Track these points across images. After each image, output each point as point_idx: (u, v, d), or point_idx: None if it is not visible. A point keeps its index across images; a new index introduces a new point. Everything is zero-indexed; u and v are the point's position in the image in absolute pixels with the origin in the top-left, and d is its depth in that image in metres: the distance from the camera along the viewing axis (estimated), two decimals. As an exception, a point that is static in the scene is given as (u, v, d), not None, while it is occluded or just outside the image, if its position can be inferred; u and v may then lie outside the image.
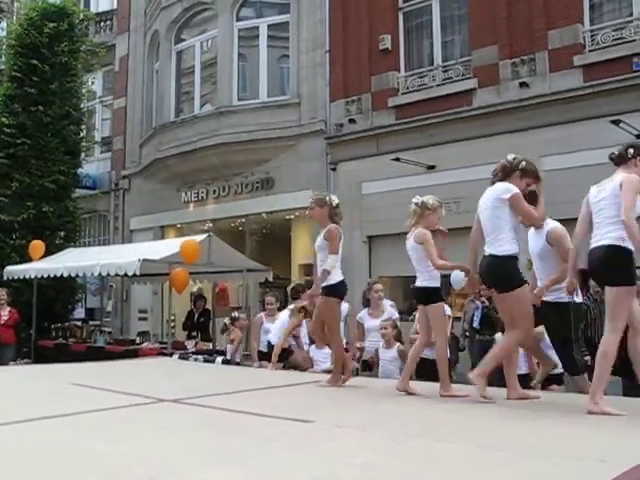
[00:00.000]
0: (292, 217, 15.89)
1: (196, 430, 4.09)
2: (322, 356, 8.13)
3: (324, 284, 6.34)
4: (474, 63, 12.76)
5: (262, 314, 9.52)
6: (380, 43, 13.92)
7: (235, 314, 10.12)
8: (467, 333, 10.59)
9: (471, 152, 12.18)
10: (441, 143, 12.76)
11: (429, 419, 4.69)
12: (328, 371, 7.65)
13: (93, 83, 19.93)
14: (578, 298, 5.88)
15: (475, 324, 9.72)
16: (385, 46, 13.87)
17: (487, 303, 9.57)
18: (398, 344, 7.66)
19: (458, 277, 11.16)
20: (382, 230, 13.48)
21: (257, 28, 16.06)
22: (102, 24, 21.49)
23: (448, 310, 9.89)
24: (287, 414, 4.51)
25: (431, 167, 12.89)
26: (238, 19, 16.30)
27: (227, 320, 9.96)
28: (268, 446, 3.60)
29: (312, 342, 8.49)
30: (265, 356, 8.93)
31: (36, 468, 3.11)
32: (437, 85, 13.26)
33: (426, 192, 12.45)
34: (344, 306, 9.87)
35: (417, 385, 5.94)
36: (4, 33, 19.60)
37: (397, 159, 12.70)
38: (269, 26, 16.00)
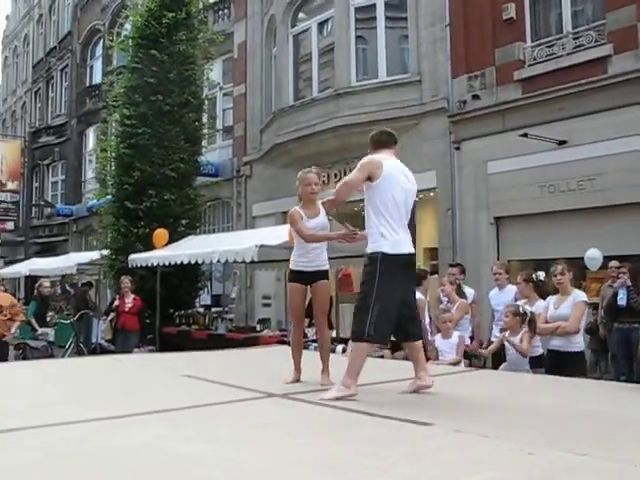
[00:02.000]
0: (416, 200, 15.28)
1: (303, 432, 3.72)
2: (448, 346, 7.61)
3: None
4: (608, 27, 11.74)
5: None
6: (504, 13, 13.10)
7: None
8: (604, 320, 9.83)
9: (606, 125, 11.29)
10: (573, 116, 11.85)
11: (565, 425, 4.09)
12: (455, 363, 7.19)
13: (212, 71, 20.02)
14: None
15: (622, 302, 8.88)
16: (509, 15, 13.05)
17: (629, 283, 8.77)
18: (524, 330, 7.02)
19: (594, 256, 10.41)
20: (510, 211, 12.84)
21: (374, 6, 15.51)
22: (220, 12, 21.62)
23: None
24: (403, 414, 4.05)
25: (562, 142, 12.01)
26: (354, -4, 15.84)
27: None
28: (381, 456, 3.16)
29: (438, 331, 8.02)
30: (392, 345, 8.56)
31: (116, 472, 2.81)
32: (567, 54, 12.30)
33: (557, 169, 11.99)
34: (469, 291, 9.39)
35: (551, 381, 5.33)
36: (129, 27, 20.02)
37: (525, 135, 11.91)
38: (386, 4, 15.42)
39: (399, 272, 4.76)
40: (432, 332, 9.18)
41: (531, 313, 7.09)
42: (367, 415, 4.13)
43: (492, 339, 8.26)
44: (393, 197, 4.85)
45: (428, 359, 8.09)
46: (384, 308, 4.62)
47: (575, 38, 12.32)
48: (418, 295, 9.35)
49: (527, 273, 8.03)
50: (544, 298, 7.62)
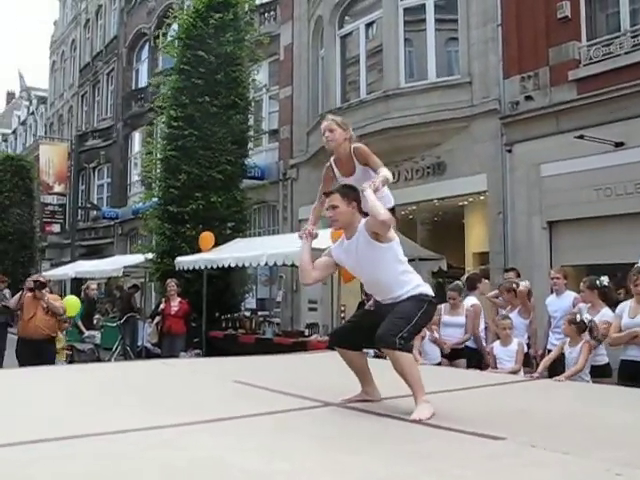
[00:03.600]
0: (466, 203, 15.10)
1: (364, 447, 3.50)
2: (507, 354, 7.34)
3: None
4: (669, 23, 11.40)
5: (442, 306, 8.89)
6: (558, 11, 12.75)
7: None
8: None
9: (667, 125, 10.92)
10: (630, 117, 11.45)
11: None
12: (514, 372, 6.92)
13: (258, 73, 19.95)
14: None
15: None
16: (564, 14, 12.69)
17: None
18: (584, 340, 6.73)
19: None
20: (564, 215, 12.49)
21: (423, 7, 15.26)
22: (266, 15, 21.61)
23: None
24: (474, 427, 3.82)
25: (619, 144, 11.61)
26: (403, -1, 15.62)
27: None
28: (455, 474, 2.95)
29: (498, 337, 7.76)
30: (448, 353, 8.40)
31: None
32: (625, 53, 11.91)
33: (614, 172, 11.61)
34: (525, 284, 9.11)
35: (624, 393, 5.05)
36: (175, 30, 20.08)
37: (581, 137, 11.56)
38: (436, 5, 15.16)
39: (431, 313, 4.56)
40: (487, 339, 8.95)
41: (591, 321, 6.79)
42: (432, 427, 3.91)
43: (549, 347, 7.98)
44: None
45: (487, 367, 7.88)
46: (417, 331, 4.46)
47: (633, 37, 11.94)
48: (473, 300, 9.19)
49: (591, 279, 7.73)
50: (609, 305, 7.33)
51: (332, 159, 5.06)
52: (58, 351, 10.95)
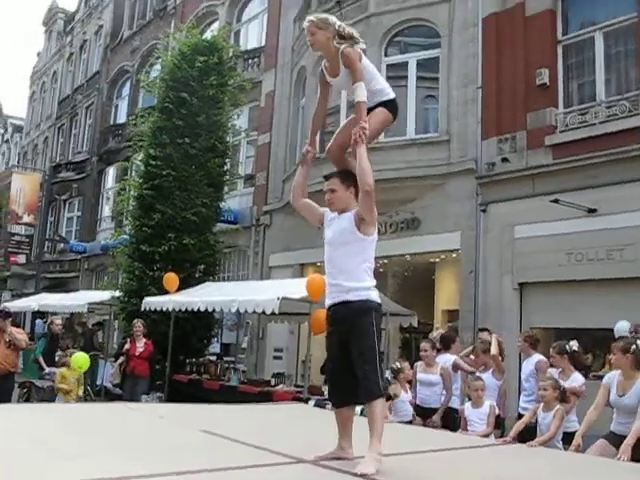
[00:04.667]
0: (438, 260, 15.19)
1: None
2: (478, 416, 7.29)
3: None
4: (642, 99, 11.67)
5: (417, 363, 8.84)
6: (537, 78, 13.05)
7: (397, 364, 8.93)
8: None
9: (638, 195, 11.09)
10: (604, 185, 11.67)
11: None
12: (486, 435, 6.87)
13: (239, 117, 20.03)
14: None
15: None
16: (543, 81, 12.99)
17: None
18: (558, 407, 6.71)
19: (624, 328, 10.08)
20: (536, 277, 12.60)
21: (406, 64, 15.53)
22: (250, 61, 21.81)
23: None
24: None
25: (592, 210, 11.81)
26: (386, 55, 15.87)
27: (387, 374, 8.62)
28: None
29: (469, 398, 7.70)
30: (422, 412, 8.28)
31: None
32: (600, 122, 12.18)
33: (586, 237, 11.75)
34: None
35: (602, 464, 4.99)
36: (159, 70, 20.17)
37: (556, 201, 11.71)
38: (418, 63, 15.42)
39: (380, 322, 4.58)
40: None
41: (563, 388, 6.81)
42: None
43: (520, 411, 7.95)
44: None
45: (457, 428, 7.81)
46: (382, 359, 4.45)
47: (608, 107, 12.21)
48: (449, 357, 9.14)
49: (560, 344, 7.76)
50: (579, 370, 7.33)
51: (324, 62, 4.96)
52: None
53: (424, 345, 8.94)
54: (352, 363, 4.36)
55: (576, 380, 7.49)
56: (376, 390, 4.29)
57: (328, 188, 4.62)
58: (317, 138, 5.05)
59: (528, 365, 8.49)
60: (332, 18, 4.75)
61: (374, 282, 4.57)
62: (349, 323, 4.42)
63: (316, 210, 4.87)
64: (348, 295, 4.45)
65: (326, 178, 4.69)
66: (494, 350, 8.50)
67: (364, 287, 4.48)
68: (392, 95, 4.92)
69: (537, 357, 8.46)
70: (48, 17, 43.62)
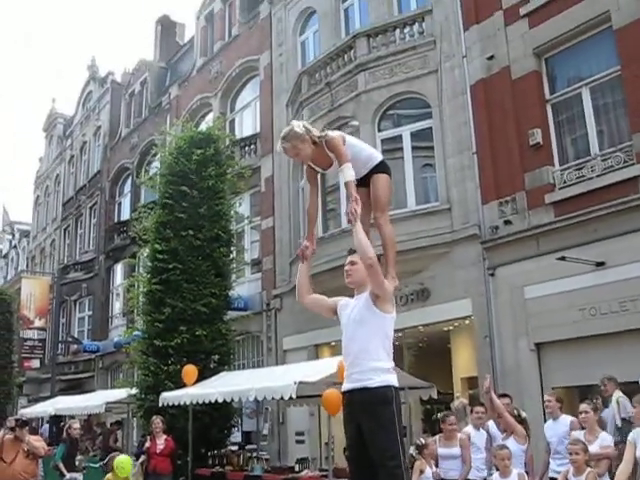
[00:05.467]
0: (451, 328, 15.09)
1: None
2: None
3: None
4: (636, 148, 11.72)
5: (436, 438, 8.70)
6: (530, 138, 13.21)
7: (421, 440, 8.81)
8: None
9: (645, 244, 11.07)
10: (608, 237, 11.67)
11: None
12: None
13: (240, 205, 20.26)
14: None
15: None
16: (536, 141, 13.15)
17: None
18: (589, 470, 6.58)
19: None
20: (552, 336, 12.49)
21: (400, 137, 15.75)
22: (247, 148, 22.18)
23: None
24: None
25: (600, 264, 11.75)
26: (380, 130, 16.11)
27: (412, 450, 8.58)
28: None
29: (497, 468, 7.54)
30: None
31: None
32: (597, 176, 12.25)
33: (597, 291, 11.68)
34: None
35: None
36: (158, 165, 20.49)
37: (563, 258, 11.70)
38: (412, 135, 15.64)
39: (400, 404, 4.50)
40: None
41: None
42: None
43: (551, 475, 7.79)
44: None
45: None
46: (404, 434, 4.37)
47: (603, 160, 12.30)
48: (466, 428, 8.99)
49: (595, 403, 7.63)
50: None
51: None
52: None
53: (450, 419, 8.80)
54: (374, 457, 4.29)
55: (605, 440, 7.35)
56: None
57: (349, 260, 4.67)
58: (315, 232, 5.04)
59: (560, 426, 8.34)
60: (298, 126, 4.74)
61: (392, 363, 4.54)
62: (369, 414, 4.35)
63: (326, 302, 4.88)
64: (367, 380, 4.40)
65: (349, 252, 4.73)
66: (499, 409, 8.37)
67: (383, 369, 4.45)
68: (380, 156, 5.06)
69: (569, 417, 8.33)
70: (48, 123, 44.68)
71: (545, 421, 11.47)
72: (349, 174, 4.62)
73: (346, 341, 4.63)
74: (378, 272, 4.40)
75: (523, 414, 8.64)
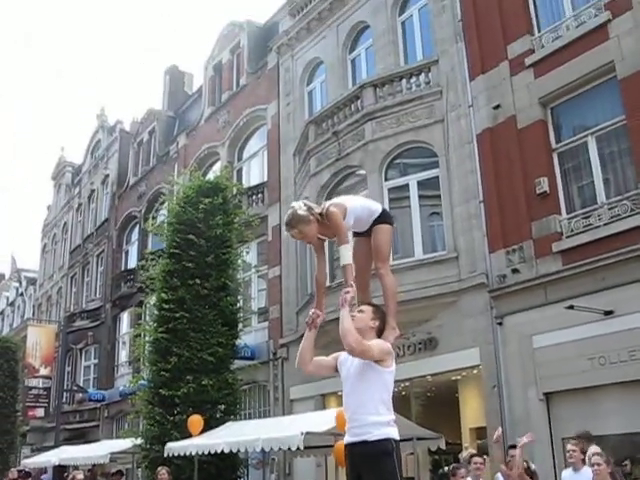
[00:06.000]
0: (459, 377, 14.97)
1: None
2: None
3: None
4: (642, 197, 11.81)
5: None
6: (537, 187, 13.28)
7: None
8: None
9: (654, 292, 11.03)
10: (617, 285, 11.63)
11: None
12: None
13: (248, 254, 20.29)
14: None
15: None
16: (543, 190, 13.20)
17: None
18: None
19: None
20: (561, 386, 12.37)
21: (407, 186, 15.83)
22: (254, 197, 22.31)
23: None
24: None
25: (609, 312, 11.70)
26: (387, 179, 16.20)
27: None
28: None
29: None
30: None
31: None
32: (604, 224, 12.27)
33: (606, 340, 11.60)
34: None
35: None
36: (165, 213, 20.58)
37: (571, 307, 11.66)
38: (419, 184, 15.72)
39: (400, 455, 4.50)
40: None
41: None
42: None
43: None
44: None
45: None
46: None
47: (610, 208, 12.32)
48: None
49: (608, 457, 7.50)
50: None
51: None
52: None
53: (461, 472, 8.66)
54: None
55: None
56: None
57: (358, 309, 4.68)
58: (324, 301, 5.01)
59: (582, 478, 8.12)
60: (300, 208, 4.82)
61: (392, 416, 4.53)
62: (369, 466, 4.36)
63: (326, 362, 4.88)
64: (366, 434, 4.40)
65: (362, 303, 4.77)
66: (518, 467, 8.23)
67: (382, 422, 4.45)
68: (380, 207, 5.18)
69: (590, 470, 8.10)
70: (57, 171, 45.05)
71: (555, 471, 11.35)
72: (347, 257, 4.77)
73: (345, 396, 4.66)
74: (364, 351, 4.41)
75: (532, 466, 8.51)
